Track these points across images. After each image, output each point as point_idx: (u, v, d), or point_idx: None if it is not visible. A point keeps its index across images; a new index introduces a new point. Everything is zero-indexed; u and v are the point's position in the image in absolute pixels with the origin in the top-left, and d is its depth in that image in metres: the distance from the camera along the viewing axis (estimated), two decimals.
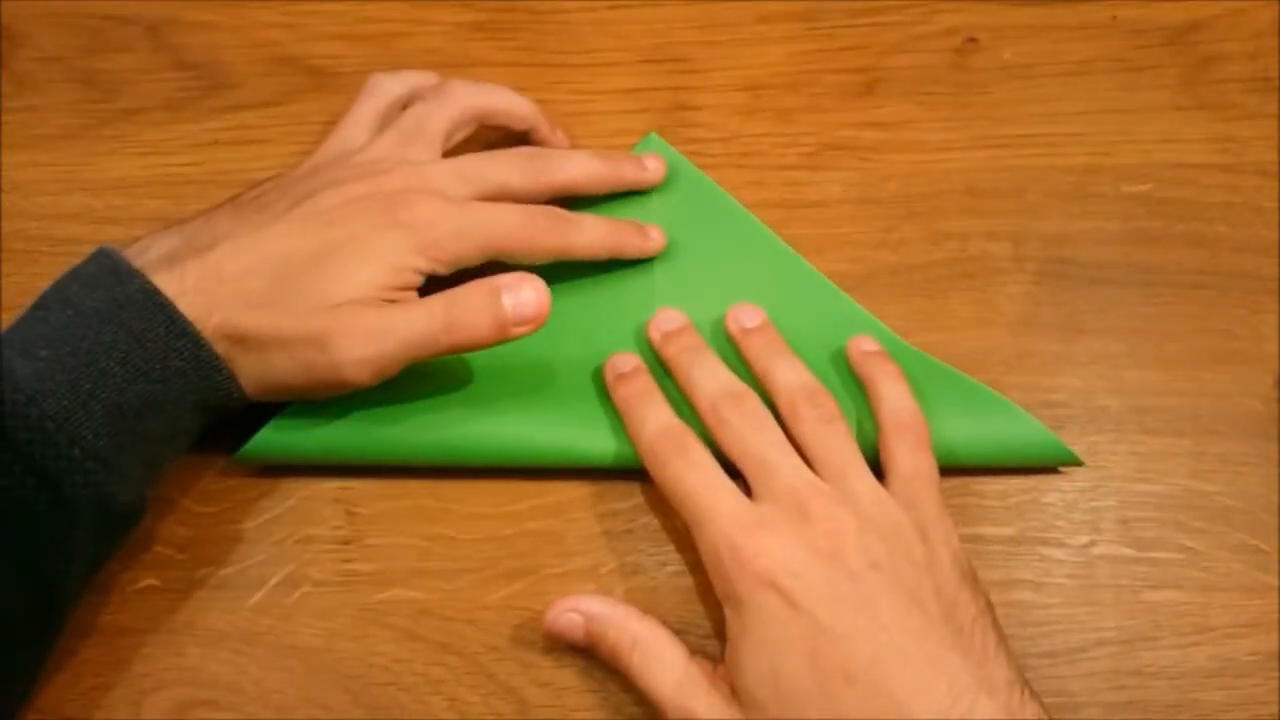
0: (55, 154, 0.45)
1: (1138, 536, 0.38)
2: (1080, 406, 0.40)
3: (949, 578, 0.34)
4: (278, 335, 0.35)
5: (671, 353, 0.39)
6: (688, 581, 0.38)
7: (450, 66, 0.45)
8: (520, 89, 0.44)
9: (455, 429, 0.38)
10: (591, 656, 0.36)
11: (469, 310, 0.36)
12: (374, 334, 0.35)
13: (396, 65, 0.44)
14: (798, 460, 0.36)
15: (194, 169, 0.44)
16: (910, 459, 0.36)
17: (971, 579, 0.35)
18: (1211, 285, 0.41)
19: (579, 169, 0.41)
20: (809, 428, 0.37)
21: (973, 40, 0.46)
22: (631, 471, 0.38)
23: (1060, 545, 0.38)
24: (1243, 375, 0.40)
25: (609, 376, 0.39)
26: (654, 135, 0.44)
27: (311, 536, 0.39)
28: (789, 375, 0.38)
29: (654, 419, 0.38)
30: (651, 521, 0.39)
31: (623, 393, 0.39)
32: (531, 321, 0.36)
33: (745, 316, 0.40)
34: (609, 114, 0.45)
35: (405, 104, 0.41)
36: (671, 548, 0.39)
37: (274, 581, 0.38)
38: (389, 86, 0.42)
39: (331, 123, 0.44)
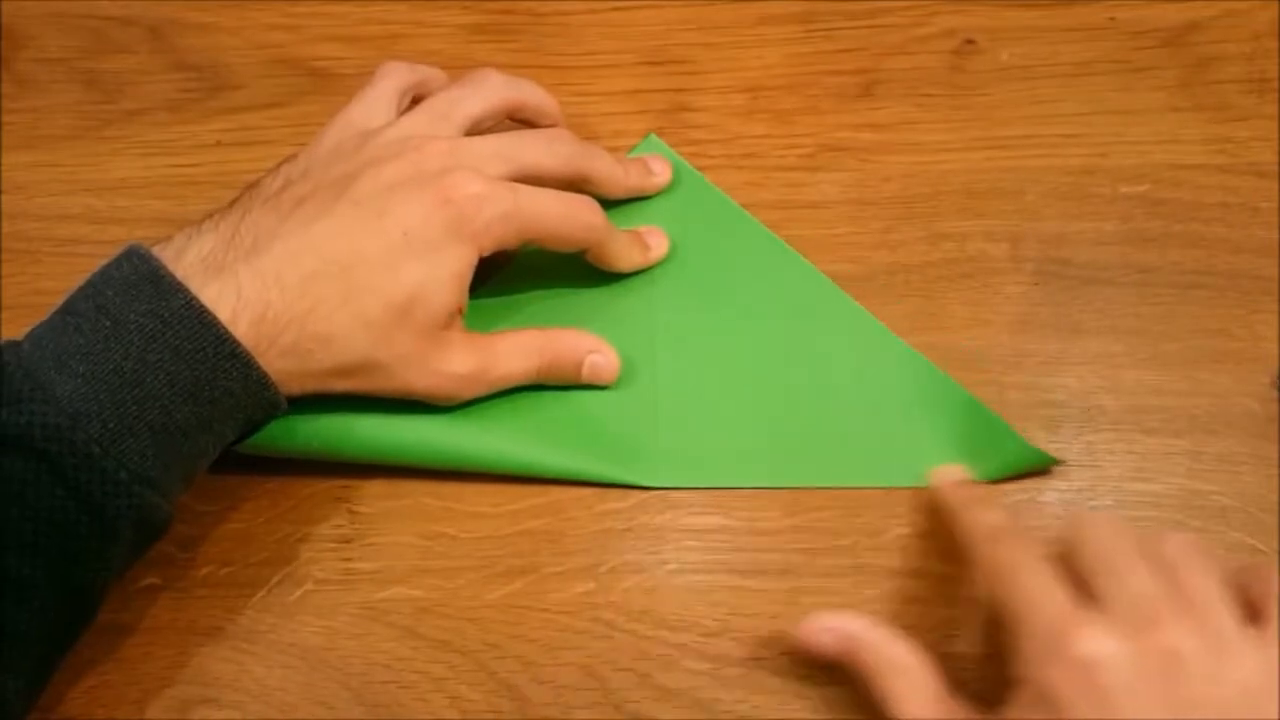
0: (58, 155, 0.45)
1: None
2: (1078, 406, 0.40)
3: None
4: (370, 363, 0.36)
5: (994, 551, 0.35)
6: (687, 580, 0.38)
7: (451, 68, 0.45)
8: None
9: (456, 433, 0.39)
10: (590, 655, 0.37)
11: (559, 366, 0.39)
12: (472, 372, 0.38)
13: None
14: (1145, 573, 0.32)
15: (196, 170, 0.44)
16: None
17: None
18: (1209, 285, 0.42)
19: (602, 164, 0.41)
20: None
21: (971, 42, 0.46)
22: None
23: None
24: (1240, 375, 0.40)
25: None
26: (653, 136, 0.44)
27: (313, 535, 0.39)
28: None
29: (986, 522, 0.35)
30: (650, 520, 0.39)
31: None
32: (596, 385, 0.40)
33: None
34: (609, 115, 0.45)
35: (417, 94, 0.41)
36: (670, 547, 0.39)
37: (275, 580, 0.38)
38: (405, 73, 0.41)
39: None
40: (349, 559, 0.39)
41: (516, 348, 0.39)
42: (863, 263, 0.42)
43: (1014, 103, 0.45)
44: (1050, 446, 0.39)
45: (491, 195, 0.36)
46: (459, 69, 0.45)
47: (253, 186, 0.38)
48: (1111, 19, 0.46)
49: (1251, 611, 0.31)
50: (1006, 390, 0.40)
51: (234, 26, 0.47)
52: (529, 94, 0.41)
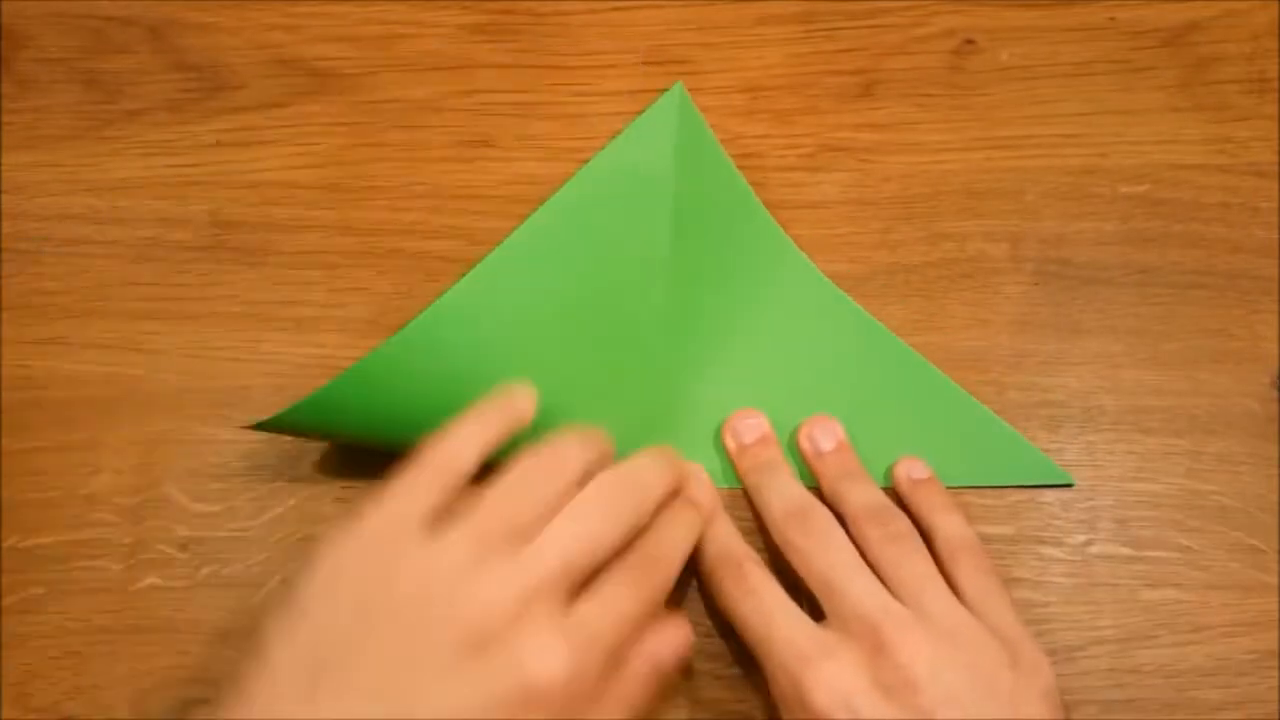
0: (58, 154, 0.45)
1: (1135, 535, 0.39)
2: (1078, 406, 0.40)
3: (1033, 713, 0.31)
4: None
5: (745, 467, 0.38)
6: (686, 580, 0.38)
7: (451, 68, 0.45)
8: (521, 90, 0.45)
9: None
10: None
11: None
12: None
13: (397, 67, 0.45)
14: (868, 580, 0.33)
15: (197, 169, 0.44)
16: (976, 581, 0.34)
17: (1061, 717, 0.32)
18: (1209, 285, 0.42)
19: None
20: (876, 548, 0.35)
21: (970, 42, 0.46)
22: None
23: (1058, 544, 0.39)
24: (1240, 375, 0.40)
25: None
26: (679, 85, 0.42)
27: (313, 536, 0.39)
28: (856, 497, 0.36)
29: (713, 543, 0.36)
30: None
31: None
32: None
33: (821, 437, 0.39)
34: (609, 115, 0.45)
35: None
36: None
37: (275, 580, 0.38)
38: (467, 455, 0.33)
39: (334, 124, 0.44)
40: None
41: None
42: (863, 263, 0.42)
43: (1014, 103, 0.45)
44: (1050, 447, 0.40)
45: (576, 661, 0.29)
46: (459, 69, 0.45)
47: (259, 655, 0.30)
48: (1111, 19, 0.46)
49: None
50: (1006, 390, 0.40)
51: (234, 26, 0.47)
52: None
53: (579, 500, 0.32)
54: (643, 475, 0.34)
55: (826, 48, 0.46)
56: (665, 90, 0.45)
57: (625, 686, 0.31)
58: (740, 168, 0.44)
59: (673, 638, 0.33)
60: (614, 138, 0.40)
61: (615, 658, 0.31)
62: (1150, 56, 0.45)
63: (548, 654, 0.29)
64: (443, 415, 0.38)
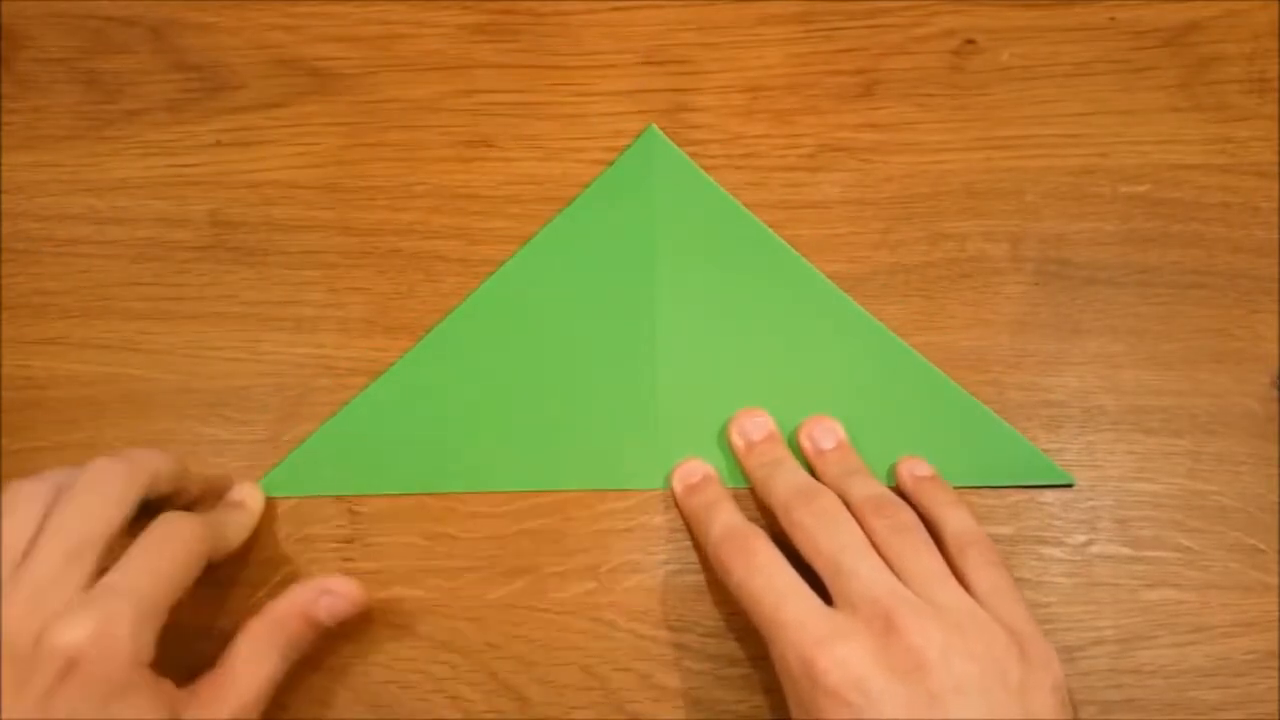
0: (58, 154, 0.45)
1: (1135, 536, 0.39)
2: (1078, 406, 0.40)
3: (1042, 707, 0.31)
4: None
5: (753, 464, 0.38)
6: (687, 580, 0.38)
7: (451, 68, 0.45)
8: (520, 90, 0.45)
9: (467, 457, 0.39)
10: (590, 655, 0.37)
11: (299, 634, 0.36)
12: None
13: (397, 67, 0.45)
14: (877, 562, 0.33)
15: (197, 169, 0.44)
16: (986, 574, 0.34)
17: (1069, 714, 0.32)
18: (1209, 285, 0.42)
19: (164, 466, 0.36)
20: (883, 539, 0.34)
21: (971, 42, 0.46)
22: None
23: (1058, 544, 0.39)
24: (1240, 375, 0.40)
25: (678, 488, 0.39)
26: (654, 127, 0.44)
27: (313, 535, 0.39)
28: (860, 490, 0.36)
29: (719, 522, 0.36)
30: (651, 520, 0.39)
31: (692, 505, 0.38)
32: None
33: (821, 437, 0.39)
34: (609, 115, 0.45)
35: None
36: (671, 547, 0.39)
37: (276, 580, 0.38)
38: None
39: (334, 124, 0.44)
40: (349, 559, 0.39)
41: (249, 660, 0.34)
42: (863, 262, 0.42)
43: (1014, 103, 0.45)
44: (1050, 447, 0.40)
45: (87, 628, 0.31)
46: (459, 69, 0.45)
47: None
48: (1111, 19, 0.46)
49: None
50: (1006, 390, 0.40)
51: (234, 26, 0.47)
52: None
53: (62, 501, 0.33)
54: (129, 458, 0.35)
55: (826, 48, 0.46)
56: (664, 90, 0.45)
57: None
58: (740, 168, 0.44)
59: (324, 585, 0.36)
60: (591, 183, 0.43)
61: (156, 604, 0.32)
62: (1150, 56, 0.45)
63: (65, 625, 0.31)
64: (436, 451, 0.39)
